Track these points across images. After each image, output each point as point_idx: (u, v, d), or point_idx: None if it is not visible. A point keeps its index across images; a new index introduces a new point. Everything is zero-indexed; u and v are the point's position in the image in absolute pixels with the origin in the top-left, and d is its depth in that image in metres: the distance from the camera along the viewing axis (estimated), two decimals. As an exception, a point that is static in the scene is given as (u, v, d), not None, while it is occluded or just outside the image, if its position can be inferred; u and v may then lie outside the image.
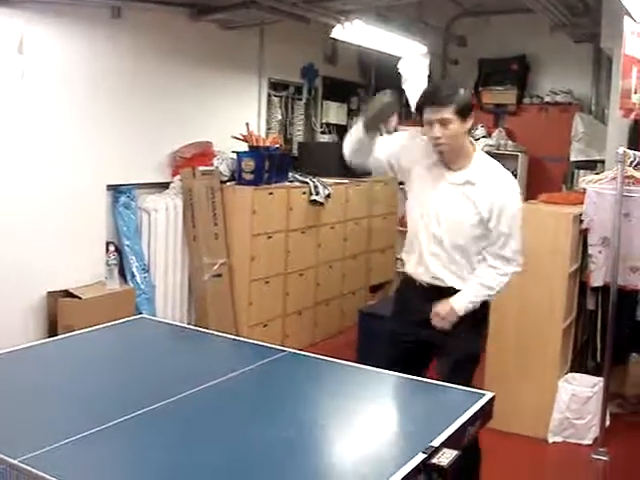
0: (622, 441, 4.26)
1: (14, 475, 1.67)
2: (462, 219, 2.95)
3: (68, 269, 4.72)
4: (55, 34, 4.49)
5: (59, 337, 2.98)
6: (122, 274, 5.02)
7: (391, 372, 2.68)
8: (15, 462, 1.65)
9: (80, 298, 4.54)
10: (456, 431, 2.15)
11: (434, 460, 1.97)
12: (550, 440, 4.29)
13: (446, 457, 2.00)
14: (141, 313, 4.84)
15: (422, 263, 3.06)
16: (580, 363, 4.81)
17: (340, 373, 2.74)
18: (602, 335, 4.55)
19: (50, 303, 4.57)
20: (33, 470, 1.61)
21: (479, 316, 3.09)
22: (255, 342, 3.08)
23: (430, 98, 2.90)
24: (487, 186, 2.92)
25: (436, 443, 2.03)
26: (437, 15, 7.07)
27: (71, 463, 1.85)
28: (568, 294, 4.35)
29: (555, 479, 4.01)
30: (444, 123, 2.84)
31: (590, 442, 4.24)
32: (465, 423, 2.23)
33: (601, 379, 4.30)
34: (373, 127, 2.98)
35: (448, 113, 2.83)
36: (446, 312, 2.96)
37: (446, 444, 2.05)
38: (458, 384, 2.60)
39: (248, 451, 1.99)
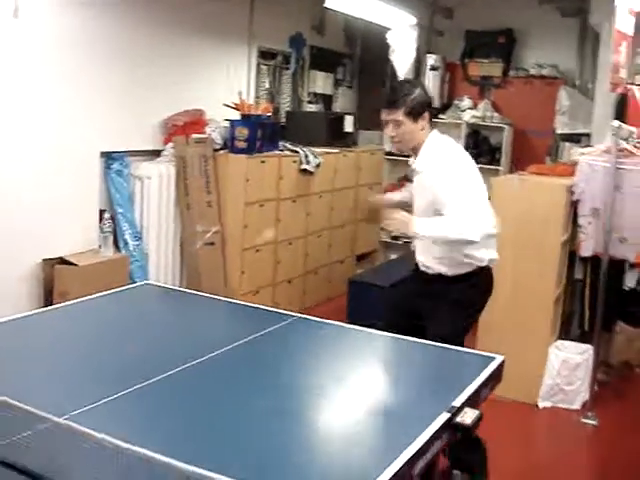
0: (609, 406, 4.40)
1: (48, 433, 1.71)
2: (421, 203, 3.22)
3: (61, 236, 4.70)
4: (50, 1, 4.44)
5: (70, 303, 2.99)
6: (115, 242, 5.01)
7: (406, 337, 2.76)
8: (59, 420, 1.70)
9: (76, 265, 4.55)
10: (474, 392, 2.24)
11: (458, 419, 2.06)
12: (540, 405, 4.41)
13: (469, 416, 2.08)
14: (135, 281, 4.86)
15: (416, 251, 3.37)
16: (566, 331, 4.93)
17: (353, 337, 2.82)
18: (590, 304, 4.67)
19: (46, 270, 4.56)
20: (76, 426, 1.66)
21: (463, 300, 3.20)
22: (265, 308, 3.13)
23: (384, 101, 3.19)
24: (429, 172, 3.15)
25: (457, 403, 2.11)
26: (425, -14, 7.10)
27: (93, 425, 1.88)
28: (560, 263, 4.45)
29: (546, 442, 4.13)
30: (396, 124, 3.12)
31: (579, 407, 4.38)
32: (481, 384, 2.32)
33: (590, 346, 4.42)
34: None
35: (399, 115, 3.10)
36: (403, 218, 3.07)
37: (466, 404, 2.13)
38: None
39: (278, 409, 2.05)
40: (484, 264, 3.22)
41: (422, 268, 3.31)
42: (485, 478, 3.21)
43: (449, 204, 3.00)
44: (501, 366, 2.56)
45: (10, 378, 2.15)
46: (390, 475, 1.67)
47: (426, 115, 3.14)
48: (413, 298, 3.37)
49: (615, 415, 4.34)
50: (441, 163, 3.12)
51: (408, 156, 3.41)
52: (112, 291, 3.27)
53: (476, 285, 3.24)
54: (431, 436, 1.91)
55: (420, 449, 1.83)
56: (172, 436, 1.86)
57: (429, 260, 3.26)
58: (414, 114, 3.09)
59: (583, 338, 4.74)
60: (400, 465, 1.72)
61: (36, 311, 2.93)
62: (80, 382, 2.20)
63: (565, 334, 4.88)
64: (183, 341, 2.65)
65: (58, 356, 2.43)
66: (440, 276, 3.22)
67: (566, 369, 4.35)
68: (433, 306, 3.20)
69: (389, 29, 6.75)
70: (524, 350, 4.42)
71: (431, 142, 3.19)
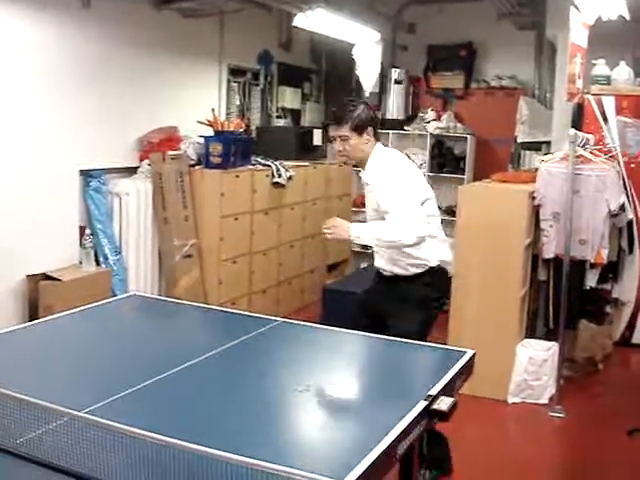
0: (575, 400, 4.63)
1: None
2: (371, 211, 3.48)
3: (44, 253, 4.83)
4: (27, 21, 4.58)
5: (65, 314, 3.10)
6: (95, 257, 5.15)
7: (382, 336, 2.96)
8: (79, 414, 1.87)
9: (60, 280, 4.68)
10: (449, 382, 2.43)
11: (435, 406, 2.25)
12: (510, 401, 4.63)
13: (445, 403, 2.27)
14: (115, 294, 5.00)
15: (375, 256, 3.65)
16: (532, 330, 5.15)
17: (335, 338, 3.01)
18: (553, 303, 4.90)
19: (30, 286, 4.69)
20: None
21: (418, 298, 3.45)
22: (250, 313, 3.31)
23: (331, 118, 3.47)
24: (373, 182, 3.41)
25: (434, 392, 2.30)
26: (387, 3, 7.33)
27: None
28: (524, 266, 4.68)
29: (517, 435, 4.35)
30: (343, 139, 3.39)
31: (546, 401, 4.60)
32: (455, 375, 2.52)
33: (555, 343, 4.65)
34: None
35: (344, 131, 3.37)
36: (340, 224, 3.33)
37: (442, 393, 2.32)
38: None
39: (270, 401, 2.24)
40: (433, 264, 3.46)
41: (380, 271, 3.60)
42: (448, 472, 3.44)
43: (389, 210, 3.28)
44: (472, 359, 2.75)
45: (17, 381, 2.29)
46: (377, 454, 1.86)
47: (369, 129, 3.40)
48: (377, 300, 3.62)
49: (581, 408, 4.57)
50: (382, 174, 3.38)
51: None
52: (102, 302, 3.41)
53: (430, 284, 3.47)
54: (412, 421, 2.10)
55: (402, 432, 2.02)
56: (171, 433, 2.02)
57: (384, 263, 3.54)
58: (358, 129, 3.36)
59: (548, 336, 4.96)
60: (386, 445, 1.91)
61: (36, 322, 3.08)
62: (86, 384, 2.35)
63: (532, 333, 5.10)
64: (178, 345, 2.81)
65: (63, 362, 2.57)
66: (396, 277, 3.50)
67: (533, 366, 4.58)
68: (394, 306, 3.46)
69: (354, 45, 6.97)
70: (493, 349, 4.62)
71: (375, 156, 3.46)
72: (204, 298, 5.57)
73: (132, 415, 2.08)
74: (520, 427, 4.47)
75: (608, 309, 5.37)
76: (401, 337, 3.26)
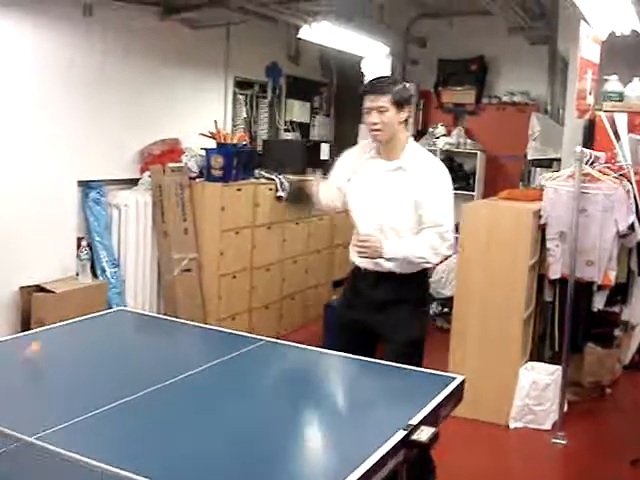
0: (579, 426, 4.47)
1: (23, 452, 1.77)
2: (396, 203, 3.15)
3: (39, 264, 4.76)
4: (27, 30, 4.53)
5: (45, 329, 3.04)
6: (92, 269, 5.08)
7: (367, 358, 2.83)
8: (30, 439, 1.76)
9: (53, 292, 4.60)
10: (432, 410, 2.31)
11: (414, 437, 2.12)
12: (511, 426, 4.48)
13: (425, 434, 2.14)
14: (112, 307, 4.92)
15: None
16: (538, 353, 5.01)
17: (317, 360, 2.89)
18: (560, 325, 4.75)
19: (23, 298, 4.61)
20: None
21: (418, 303, 3.26)
22: (235, 332, 3.20)
23: (370, 87, 3.15)
24: (418, 172, 3.13)
25: (414, 421, 2.17)
26: (398, 16, 7.24)
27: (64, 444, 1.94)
28: (528, 286, 4.55)
29: (517, 463, 4.20)
30: (381, 111, 3.08)
31: (549, 427, 4.44)
32: (440, 403, 2.39)
33: (559, 367, 4.50)
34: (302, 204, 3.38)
35: (385, 102, 3.07)
36: (374, 242, 3.04)
37: (424, 422, 2.20)
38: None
39: (244, 430, 2.12)
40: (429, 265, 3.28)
41: (371, 267, 3.18)
42: None
43: (442, 223, 3.09)
44: (461, 386, 2.62)
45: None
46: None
47: (408, 109, 3.16)
48: (364, 315, 3.23)
49: (584, 435, 4.41)
50: (437, 170, 3.17)
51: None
52: (86, 317, 3.31)
53: (422, 285, 3.31)
54: (387, 452, 1.98)
55: (376, 464, 1.90)
56: (144, 455, 1.92)
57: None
58: (399, 103, 3.09)
59: (555, 360, 4.81)
60: (358, 476, 1.80)
61: (10, 337, 2.98)
62: (52, 403, 2.26)
63: (538, 355, 4.96)
64: (154, 364, 2.71)
65: (32, 378, 2.49)
66: (391, 274, 3.14)
67: (535, 390, 4.43)
68: (392, 315, 3.17)
69: (364, 58, 6.89)
70: (496, 372, 4.50)
71: (415, 144, 3.24)
72: (203, 313, 5.48)
73: (92, 440, 1.99)
74: (520, 453, 4.31)
75: (617, 332, 5.20)
76: (409, 346, 3.16)
